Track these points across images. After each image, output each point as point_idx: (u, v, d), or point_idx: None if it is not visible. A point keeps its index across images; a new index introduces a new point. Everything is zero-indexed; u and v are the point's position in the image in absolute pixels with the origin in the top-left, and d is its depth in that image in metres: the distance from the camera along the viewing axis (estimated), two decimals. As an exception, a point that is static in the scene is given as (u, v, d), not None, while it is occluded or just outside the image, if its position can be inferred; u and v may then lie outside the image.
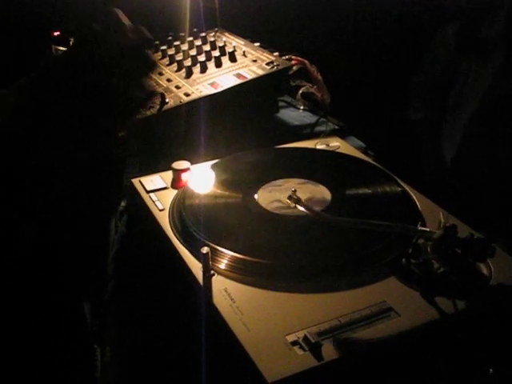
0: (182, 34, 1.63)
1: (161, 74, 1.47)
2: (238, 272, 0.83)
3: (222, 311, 0.76)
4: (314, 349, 0.69)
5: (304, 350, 0.70)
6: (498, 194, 1.14)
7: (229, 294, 0.79)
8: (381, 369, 0.73)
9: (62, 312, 1.00)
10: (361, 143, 1.34)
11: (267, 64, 1.39)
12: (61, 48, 1.85)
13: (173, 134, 1.28)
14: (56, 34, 1.93)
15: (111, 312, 1.01)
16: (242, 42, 1.55)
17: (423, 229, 0.83)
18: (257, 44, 1.53)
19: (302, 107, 1.52)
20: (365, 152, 1.24)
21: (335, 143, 1.24)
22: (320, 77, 1.46)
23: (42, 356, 0.88)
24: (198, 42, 1.56)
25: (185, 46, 1.57)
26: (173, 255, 0.90)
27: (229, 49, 1.47)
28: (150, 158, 1.24)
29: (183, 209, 0.98)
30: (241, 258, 0.84)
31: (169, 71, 1.47)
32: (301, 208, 0.92)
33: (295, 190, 1.01)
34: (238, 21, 1.82)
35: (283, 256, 0.86)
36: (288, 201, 0.98)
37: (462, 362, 0.78)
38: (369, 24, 1.56)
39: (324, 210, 0.98)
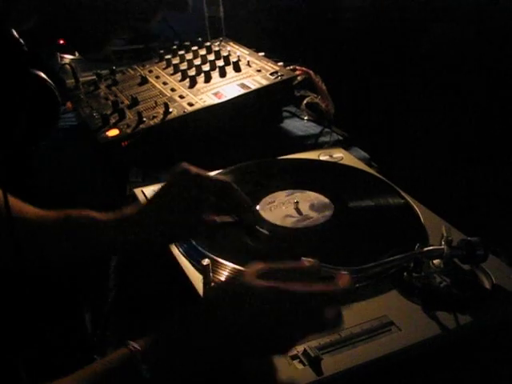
0: (187, 44, 1.64)
1: (165, 83, 1.47)
2: (239, 284, 0.82)
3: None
4: (314, 363, 0.69)
5: (304, 365, 0.69)
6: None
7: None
8: (381, 384, 0.72)
9: (63, 322, 1.00)
10: (365, 154, 1.33)
11: (271, 74, 1.39)
12: (66, 56, 1.86)
13: (176, 144, 1.28)
14: (62, 41, 1.93)
15: (112, 323, 1.01)
16: (247, 52, 1.55)
17: (428, 248, 0.82)
18: (261, 54, 1.53)
19: (306, 117, 1.52)
20: (368, 163, 1.24)
21: (338, 154, 1.24)
22: (324, 87, 1.46)
23: (43, 366, 0.88)
24: (203, 52, 1.56)
25: (189, 56, 1.57)
26: (173, 267, 0.90)
27: (233, 58, 1.47)
28: (152, 167, 1.24)
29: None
30: (242, 270, 0.84)
31: (173, 80, 1.47)
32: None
33: (297, 202, 1.01)
34: (244, 30, 1.83)
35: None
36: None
37: (464, 377, 0.77)
38: (374, 35, 1.56)
39: (327, 221, 0.97)
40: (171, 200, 0.84)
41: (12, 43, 0.70)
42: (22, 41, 0.70)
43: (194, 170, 0.86)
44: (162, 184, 0.88)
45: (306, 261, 0.71)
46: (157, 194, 0.87)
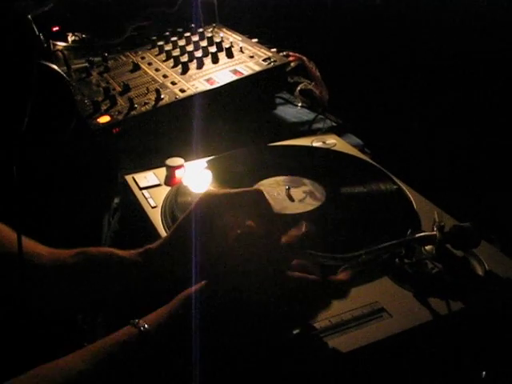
0: (180, 30, 1.62)
1: (157, 69, 1.46)
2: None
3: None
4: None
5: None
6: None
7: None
8: (372, 371, 0.72)
9: (55, 315, 1.00)
10: (358, 141, 1.32)
11: (264, 60, 1.38)
12: (59, 44, 1.84)
13: (167, 131, 1.27)
14: (55, 29, 1.92)
15: (101, 315, 1.01)
16: (240, 38, 1.54)
17: (420, 234, 0.81)
18: (254, 40, 1.52)
19: (299, 104, 1.51)
20: (362, 150, 1.23)
21: (331, 141, 1.23)
22: (318, 73, 1.45)
23: (31, 353, 0.87)
24: (196, 38, 1.55)
25: (182, 42, 1.56)
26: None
27: (226, 45, 1.46)
28: (144, 154, 1.23)
29: (175, 206, 0.97)
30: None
31: (165, 67, 1.46)
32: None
33: (289, 188, 1.01)
34: (237, 17, 1.81)
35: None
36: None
37: (455, 364, 0.77)
38: (368, 21, 1.54)
39: (318, 207, 0.97)
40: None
41: (30, 35, 0.69)
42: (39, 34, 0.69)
43: (221, 191, 0.79)
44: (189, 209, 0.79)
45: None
46: (184, 220, 0.79)
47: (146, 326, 0.62)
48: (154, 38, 1.63)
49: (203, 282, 0.66)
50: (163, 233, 0.93)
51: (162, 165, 1.09)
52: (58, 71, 0.75)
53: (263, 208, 0.77)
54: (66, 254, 0.80)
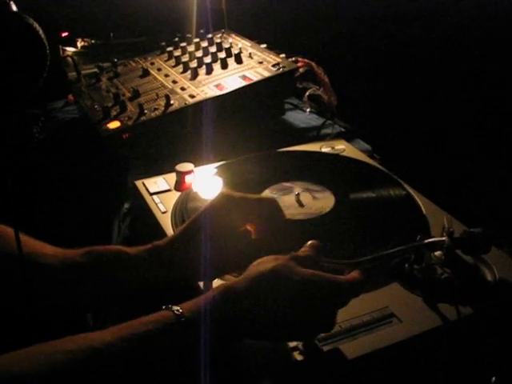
0: (189, 36, 1.63)
1: (166, 75, 1.46)
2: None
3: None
4: (314, 354, 0.69)
5: (304, 356, 0.69)
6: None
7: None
8: (381, 376, 0.72)
9: (64, 315, 1.00)
10: (367, 146, 1.32)
11: (273, 66, 1.38)
12: (69, 49, 1.85)
13: (177, 136, 1.28)
14: (64, 34, 1.93)
15: (113, 315, 1.01)
16: (249, 44, 1.54)
17: (429, 240, 0.81)
18: (263, 45, 1.52)
19: (308, 109, 1.51)
20: (371, 155, 1.23)
21: (340, 146, 1.23)
22: (327, 79, 1.45)
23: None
24: (205, 44, 1.56)
25: (191, 48, 1.57)
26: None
27: (235, 50, 1.47)
28: (154, 159, 1.24)
29: (185, 212, 0.97)
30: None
31: (174, 73, 1.47)
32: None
33: (299, 194, 1.01)
34: (246, 22, 1.82)
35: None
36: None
37: (465, 369, 0.77)
38: (377, 26, 1.55)
39: (327, 213, 0.97)
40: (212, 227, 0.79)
41: None
42: None
43: (237, 194, 0.81)
44: (204, 208, 0.81)
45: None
46: (194, 220, 0.80)
47: (183, 312, 0.63)
48: (164, 43, 1.64)
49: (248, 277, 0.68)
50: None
51: (171, 170, 1.09)
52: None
53: (275, 217, 0.80)
54: (74, 254, 0.81)
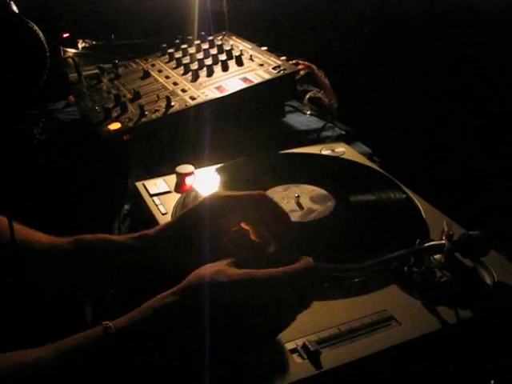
0: (190, 37, 1.63)
1: (167, 77, 1.47)
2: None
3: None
4: (313, 357, 0.69)
5: (303, 358, 0.69)
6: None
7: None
8: (380, 379, 0.72)
9: (64, 314, 1.00)
10: (367, 149, 1.33)
11: (274, 68, 1.38)
12: (70, 50, 1.86)
13: (178, 138, 1.28)
14: (65, 35, 1.94)
15: (112, 315, 1.01)
16: (249, 46, 1.55)
17: (429, 244, 0.82)
18: (264, 48, 1.52)
19: (308, 112, 1.51)
20: (370, 158, 1.23)
21: (340, 149, 1.24)
22: (327, 82, 1.46)
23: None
24: (206, 46, 1.56)
25: (192, 50, 1.57)
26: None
27: (236, 52, 1.47)
28: (154, 161, 1.24)
29: (185, 213, 0.97)
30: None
31: (175, 74, 1.47)
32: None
33: (299, 196, 1.01)
34: (247, 24, 1.82)
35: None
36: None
37: (464, 372, 0.77)
38: (378, 29, 1.55)
39: (327, 216, 0.97)
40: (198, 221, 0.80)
41: None
42: None
43: (227, 192, 0.83)
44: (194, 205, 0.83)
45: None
46: (190, 212, 0.82)
47: (112, 329, 0.62)
48: (165, 45, 1.64)
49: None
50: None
51: (172, 172, 1.09)
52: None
53: (267, 211, 0.80)
54: (62, 241, 0.82)
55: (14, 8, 0.75)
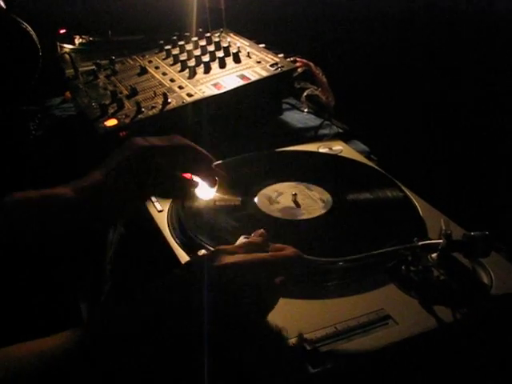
0: (187, 34, 1.63)
1: (164, 73, 1.46)
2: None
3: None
4: (310, 356, 0.68)
5: (299, 357, 0.69)
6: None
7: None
8: (377, 377, 0.72)
9: (59, 312, 1.00)
10: (364, 147, 1.32)
11: (271, 65, 1.38)
12: (66, 46, 1.85)
13: (174, 135, 1.27)
14: (62, 31, 1.93)
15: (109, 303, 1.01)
16: (247, 43, 1.54)
17: (425, 242, 0.81)
18: (262, 45, 1.52)
19: (306, 110, 1.51)
20: (368, 156, 1.23)
21: (338, 147, 1.23)
22: (325, 79, 1.45)
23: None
24: (203, 43, 1.55)
25: (189, 46, 1.56)
26: (170, 257, 0.89)
27: (233, 50, 1.46)
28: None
29: (182, 211, 0.97)
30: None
31: (172, 71, 1.46)
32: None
33: (296, 194, 1.01)
34: (244, 21, 1.82)
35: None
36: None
37: (460, 372, 0.76)
38: (376, 27, 1.55)
39: (324, 214, 0.97)
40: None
41: None
42: None
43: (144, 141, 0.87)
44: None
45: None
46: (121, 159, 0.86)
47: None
48: (162, 42, 1.64)
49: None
50: (169, 236, 0.93)
51: (168, 169, 1.09)
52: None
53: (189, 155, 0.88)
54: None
55: (1, 3, 0.74)
